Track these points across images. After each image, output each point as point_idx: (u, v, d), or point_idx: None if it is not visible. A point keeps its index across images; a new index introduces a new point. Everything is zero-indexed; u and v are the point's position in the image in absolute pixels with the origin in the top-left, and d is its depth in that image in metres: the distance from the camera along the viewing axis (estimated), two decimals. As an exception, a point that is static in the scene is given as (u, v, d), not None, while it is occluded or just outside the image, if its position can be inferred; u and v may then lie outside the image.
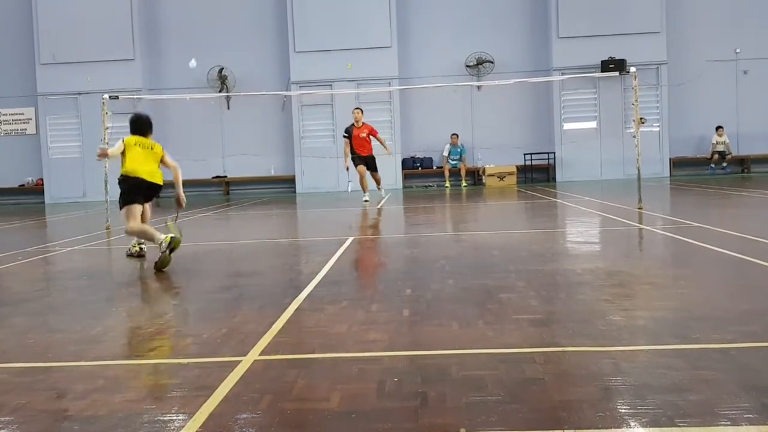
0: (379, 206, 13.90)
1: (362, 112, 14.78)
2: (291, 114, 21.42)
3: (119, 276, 6.94)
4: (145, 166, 7.15)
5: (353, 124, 14.50)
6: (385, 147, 14.81)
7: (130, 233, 7.18)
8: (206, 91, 20.60)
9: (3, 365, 3.62)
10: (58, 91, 21.45)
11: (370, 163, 14.55)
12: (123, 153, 7.17)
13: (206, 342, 3.86)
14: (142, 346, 3.90)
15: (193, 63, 18.63)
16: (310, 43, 20.79)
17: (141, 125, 7.44)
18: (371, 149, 14.53)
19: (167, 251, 6.54)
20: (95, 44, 21.04)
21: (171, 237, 6.57)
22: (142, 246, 7.57)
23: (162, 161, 7.37)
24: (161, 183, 7.35)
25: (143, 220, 7.27)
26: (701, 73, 20.88)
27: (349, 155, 14.36)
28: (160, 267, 6.51)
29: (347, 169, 14.47)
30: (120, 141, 7.27)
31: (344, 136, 14.56)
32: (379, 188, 15.28)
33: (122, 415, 2.76)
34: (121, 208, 7.14)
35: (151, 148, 7.33)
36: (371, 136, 14.49)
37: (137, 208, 7.12)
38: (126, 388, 3.13)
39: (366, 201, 14.31)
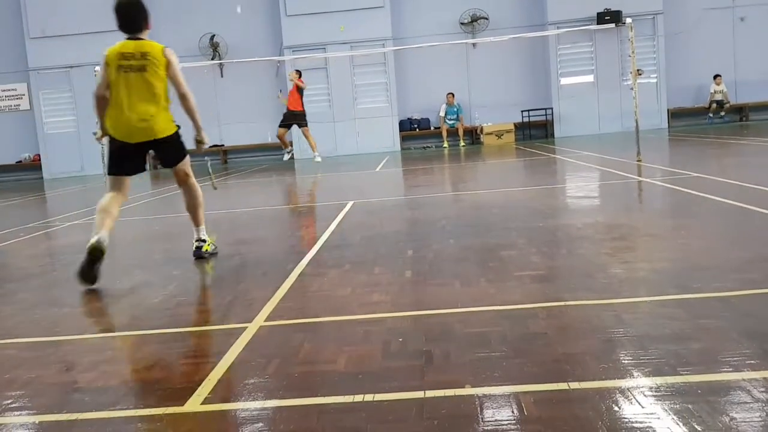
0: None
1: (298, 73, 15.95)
2: (285, 79, 21.24)
3: (121, 248, 6.96)
4: (131, 108, 4.81)
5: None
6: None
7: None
8: (198, 60, 20.39)
9: (12, 340, 3.66)
10: (49, 65, 21.25)
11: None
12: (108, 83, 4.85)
13: (212, 310, 3.89)
14: (148, 317, 3.93)
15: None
16: (302, 6, 20.52)
17: (125, 16, 4.91)
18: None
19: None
20: (84, 16, 20.77)
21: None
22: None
23: (170, 79, 4.95)
24: (161, 135, 4.92)
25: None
26: (698, 22, 20.65)
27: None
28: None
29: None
30: (102, 62, 4.93)
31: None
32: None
33: (132, 385, 2.80)
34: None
35: (142, 68, 4.81)
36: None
37: (117, 181, 5.10)
38: (134, 358, 3.17)
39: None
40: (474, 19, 20.84)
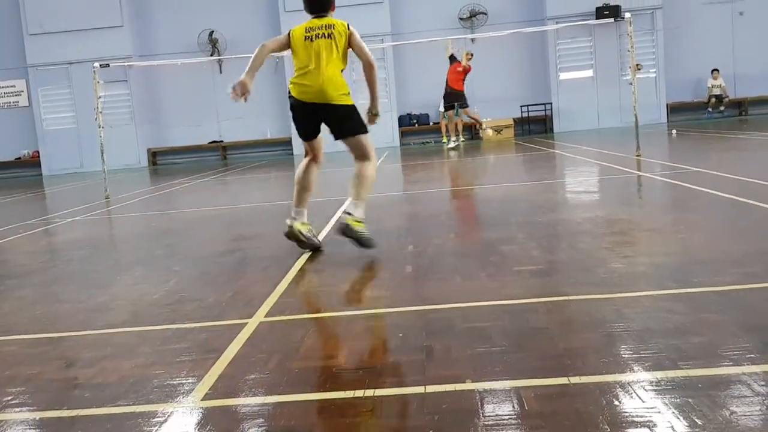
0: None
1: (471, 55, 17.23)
2: (284, 75, 21.20)
3: (121, 245, 6.96)
4: (314, 74, 4.89)
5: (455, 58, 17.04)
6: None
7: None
8: (197, 56, 20.37)
9: (12, 337, 3.66)
10: (48, 61, 21.22)
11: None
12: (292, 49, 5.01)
13: (212, 306, 3.89)
14: (149, 313, 3.93)
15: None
16: (300, 1, 20.36)
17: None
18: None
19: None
20: (83, 12, 20.75)
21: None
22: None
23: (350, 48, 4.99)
24: (339, 102, 4.94)
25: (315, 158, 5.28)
26: (697, 16, 20.62)
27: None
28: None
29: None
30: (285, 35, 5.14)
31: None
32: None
33: (132, 381, 2.80)
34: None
35: (328, 35, 4.93)
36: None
37: (308, 144, 5.25)
38: (134, 354, 3.17)
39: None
40: (473, 14, 20.82)
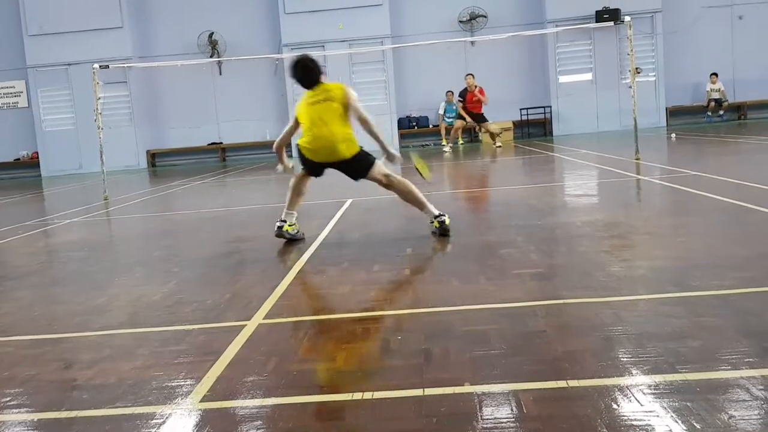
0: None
1: (473, 76, 17.60)
2: (284, 77, 21.20)
3: (120, 246, 6.96)
4: (320, 134, 5.35)
5: (467, 89, 17.44)
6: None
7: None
8: (197, 57, 20.37)
9: (10, 338, 3.66)
10: (47, 62, 21.21)
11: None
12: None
13: (211, 307, 3.89)
14: (147, 314, 3.93)
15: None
16: (300, 4, 20.50)
17: (299, 74, 5.54)
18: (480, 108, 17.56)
19: None
20: (82, 13, 20.74)
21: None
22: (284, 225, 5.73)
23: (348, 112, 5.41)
24: (347, 155, 5.38)
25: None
26: (696, 20, 20.65)
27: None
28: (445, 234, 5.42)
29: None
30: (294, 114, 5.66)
31: (459, 100, 17.90)
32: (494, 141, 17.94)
33: (131, 383, 2.80)
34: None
35: (325, 99, 5.41)
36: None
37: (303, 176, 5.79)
38: (133, 356, 3.17)
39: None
40: (473, 17, 20.83)
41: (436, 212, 5.51)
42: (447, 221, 5.48)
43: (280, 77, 21.31)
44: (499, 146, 17.62)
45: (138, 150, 21.65)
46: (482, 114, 17.80)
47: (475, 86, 17.44)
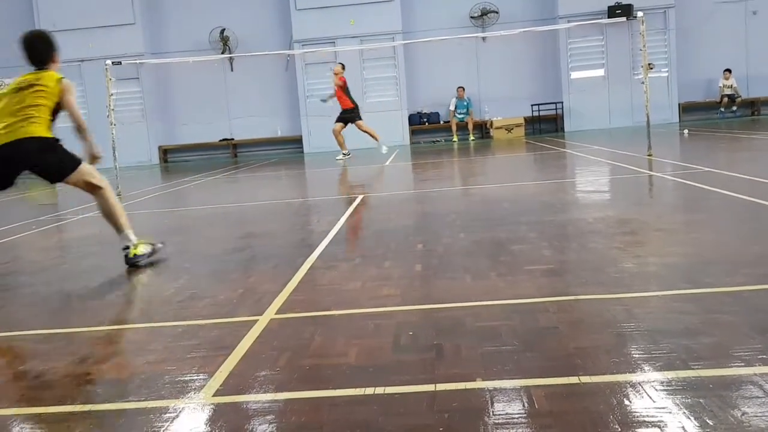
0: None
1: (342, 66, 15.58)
2: (295, 73, 21.25)
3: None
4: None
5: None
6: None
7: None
8: (209, 54, 20.42)
9: (25, 332, 3.69)
10: (60, 58, 21.27)
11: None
12: None
13: (223, 303, 3.90)
14: (160, 309, 3.95)
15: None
16: (312, 0, 20.51)
17: (26, 50, 5.41)
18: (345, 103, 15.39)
19: None
20: (95, 10, 20.84)
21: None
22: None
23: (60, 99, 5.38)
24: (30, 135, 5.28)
25: None
26: (709, 15, 20.50)
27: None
28: None
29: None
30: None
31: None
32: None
33: (144, 377, 2.81)
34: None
35: (29, 86, 5.25)
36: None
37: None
38: (146, 350, 3.19)
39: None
40: (484, 13, 20.78)
41: (128, 241, 5.10)
42: (133, 252, 5.04)
43: (291, 73, 21.33)
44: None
45: (150, 146, 21.73)
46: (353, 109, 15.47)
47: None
